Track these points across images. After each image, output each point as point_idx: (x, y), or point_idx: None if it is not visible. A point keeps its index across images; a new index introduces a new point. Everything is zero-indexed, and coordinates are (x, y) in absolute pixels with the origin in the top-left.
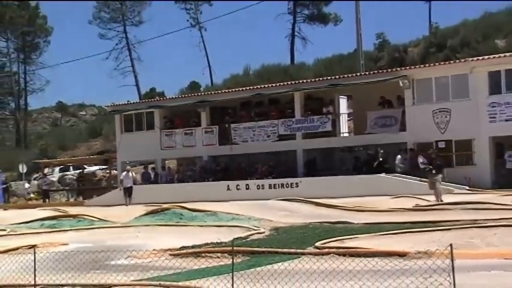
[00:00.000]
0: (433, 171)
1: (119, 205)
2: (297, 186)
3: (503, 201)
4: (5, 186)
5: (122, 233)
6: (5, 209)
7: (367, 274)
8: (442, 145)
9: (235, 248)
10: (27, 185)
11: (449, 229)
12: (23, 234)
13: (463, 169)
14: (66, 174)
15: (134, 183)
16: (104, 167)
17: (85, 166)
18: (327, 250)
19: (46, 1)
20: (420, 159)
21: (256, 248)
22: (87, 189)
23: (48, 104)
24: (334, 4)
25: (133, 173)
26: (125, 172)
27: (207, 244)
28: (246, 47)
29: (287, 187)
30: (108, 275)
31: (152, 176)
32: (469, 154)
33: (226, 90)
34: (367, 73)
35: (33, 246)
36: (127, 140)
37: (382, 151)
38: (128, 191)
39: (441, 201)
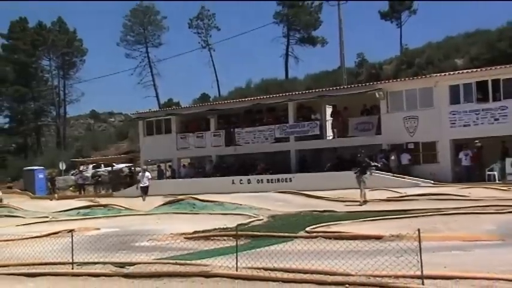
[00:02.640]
0: (361, 172)
1: (141, 197)
2: (291, 180)
3: (461, 193)
4: (47, 179)
5: (144, 220)
6: (51, 199)
7: (349, 254)
8: (411, 146)
9: (238, 232)
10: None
11: (417, 216)
12: (62, 220)
13: (428, 166)
14: (98, 171)
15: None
16: (129, 164)
17: (114, 164)
18: (315, 234)
19: (82, 26)
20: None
21: (256, 232)
22: (119, 183)
23: (83, 112)
24: (322, 29)
25: (150, 174)
26: (141, 172)
27: (215, 229)
28: (248, 64)
29: (282, 181)
30: (133, 255)
31: (168, 173)
32: (433, 154)
33: (232, 101)
34: (349, 86)
35: (71, 231)
36: (149, 142)
37: (361, 150)
38: (144, 190)
39: (363, 202)
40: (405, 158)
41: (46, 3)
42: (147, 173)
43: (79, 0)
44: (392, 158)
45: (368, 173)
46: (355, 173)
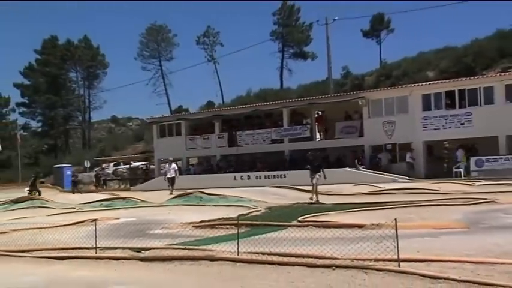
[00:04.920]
0: (312, 172)
1: (156, 190)
2: (285, 177)
3: (432, 187)
4: (73, 176)
5: (158, 211)
6: (96, 192)
7: (335, 240)
8: (389, 147)
9: (240, 221)
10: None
11: (394, 208)
12: (87, 211)
13: (404, 164)
14: (118, 168)
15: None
16: (145, 163)
17: (131, 162)
18: (306, 223)
19: (104, 43)
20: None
21: (255, 221)
22: (135, 178)
23: (105, 117)
24: (312, 45)
25: (176, 165)
26: (168, 164)
27: (219, 219)
28: (248, 75)
29: (277, 177)
30: (148, 241)
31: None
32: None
33: (234, 107)
34: (335, 95)
35: (94, 220)
36: (161, 143)
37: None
38: (171, 180)
39: (316, 200)
40: (409, 157)
41: (74, 24)
42: (173, 165)
43: (98, 2)
44: (380, 157)
45: (320, 173)
46: (307, 168)
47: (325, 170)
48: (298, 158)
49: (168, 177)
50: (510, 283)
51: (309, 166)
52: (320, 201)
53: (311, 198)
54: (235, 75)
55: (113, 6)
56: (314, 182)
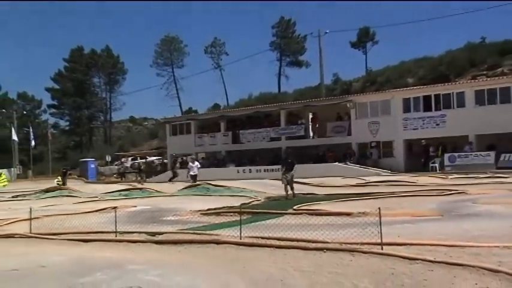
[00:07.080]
0: (285, 169)
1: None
2: None
3: (411, 180)
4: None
5: (170, 200)
6: (141, 183)
7: (326, 226)
8: (374, 144)
9: (242, 209)
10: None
11: (378, 198)
12: (108, 200)
13: (386, 160)
14: (135, 162)
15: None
16: (159, 157)
17: (147, 157)
18: (300, 211)
19: (124, 52)
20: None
21: (256, 209)
22: (150, 171)
23: (124, 117)
24: (306, 54)
25: (199, 163)
26: (190, 162)
27: (224, 207)
28: (249, 81)
29: (275, 171)
30: (161, 226)
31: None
32: (390, 150)
33: (237, 109)
34: (326, 98)
35: (115, 208)
36: (173, 140)
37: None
38: (194, 178)
39: (288, 196)
40: (432, 151)
41: (98, 35)
42: (196, 163)
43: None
44: (372, 152)
45: (293, 171)
46: (281, 164)
47: (317, 165)
48: (294, 153)
49: (191, 174)
50: (478, 263)
51: (285, 165)
52: (291, 195)
53: (288, 198)
54: (238, 81)
55: (131, 20)
56: (285, 183)
